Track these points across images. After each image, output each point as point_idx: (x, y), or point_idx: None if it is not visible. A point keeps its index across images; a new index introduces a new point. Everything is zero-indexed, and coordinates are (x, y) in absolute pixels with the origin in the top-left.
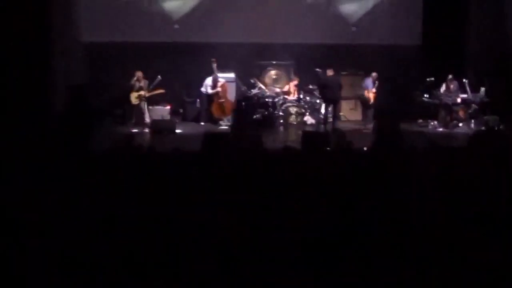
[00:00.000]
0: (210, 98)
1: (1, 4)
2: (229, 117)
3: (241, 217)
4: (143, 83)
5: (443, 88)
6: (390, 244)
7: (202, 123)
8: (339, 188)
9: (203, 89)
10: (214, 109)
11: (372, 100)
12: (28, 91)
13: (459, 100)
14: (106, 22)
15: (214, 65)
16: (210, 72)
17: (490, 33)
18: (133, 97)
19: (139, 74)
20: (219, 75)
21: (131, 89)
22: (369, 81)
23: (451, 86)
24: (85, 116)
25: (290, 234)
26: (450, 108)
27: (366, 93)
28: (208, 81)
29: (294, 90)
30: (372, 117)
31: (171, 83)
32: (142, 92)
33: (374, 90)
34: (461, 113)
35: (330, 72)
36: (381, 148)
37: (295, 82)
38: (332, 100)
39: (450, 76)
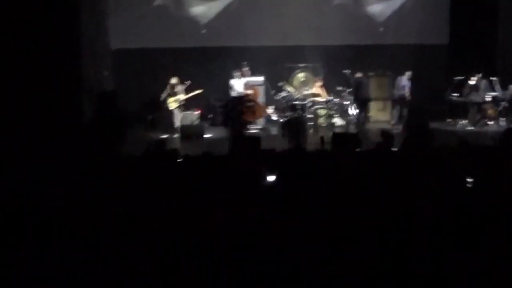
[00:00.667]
0: (240, 101)
1: (33, 12)
2: (260, 120)
3: (272, 218)
4: (179, 88)
5: (469, 85)
6: (419, 241)
7: (232, 127)
8: (370, 188)
9: (233, 93)
10: (245, 113)
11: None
12: (59, 98)
13: (488, 98)
14: (135, 28)
15: (246, 69)
16: (231, 76)
17: None
18: (171, 102)
19: (174, 80)
20: (248, 79)
21: (168, 95)
22: (404, 80)
23: (480, 85)
24: (115, 122)
25: (319, 233)
26: (480, 107)
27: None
28: (235, 83)
29: (321, 92)
30: (398, 117)
31: (200, 88)
32: (179, 97)
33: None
34: (490, 112)
35: (359, 74)
36: (412, 148)
37: (319, 84)
38: (365, 101)
39: (479, 75)
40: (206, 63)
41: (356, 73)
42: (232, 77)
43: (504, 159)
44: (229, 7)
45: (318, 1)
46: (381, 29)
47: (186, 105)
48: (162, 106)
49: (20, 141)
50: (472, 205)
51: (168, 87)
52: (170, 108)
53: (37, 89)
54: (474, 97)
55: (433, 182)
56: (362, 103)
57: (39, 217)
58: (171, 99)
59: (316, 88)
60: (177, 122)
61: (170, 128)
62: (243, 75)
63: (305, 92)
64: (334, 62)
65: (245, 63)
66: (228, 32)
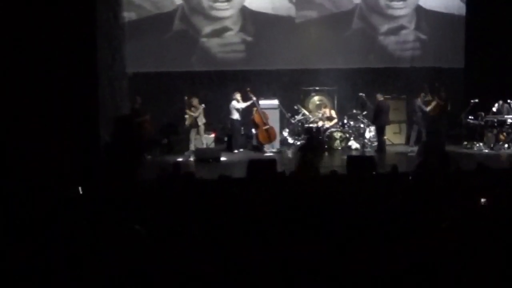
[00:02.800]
0: (253, 125)
1: (51, 37)
2: (275, 143)
3: (287, 240)
4: (199, 109)
5: (494, 108)
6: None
7: (235, 151)
8: (385, 211)
9: (233, 116)
10: (261, 136)
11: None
12: (77, 122)
13: (505, 121)
14: (151, 53)
15: (251, 95)
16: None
17: None
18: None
19: (195, 101)
20: (263, 102)
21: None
22: (418, 102)
23: (503, 108)
24: (132, 146)
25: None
26: (496, 129)
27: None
28: (234, 104)
29: (332, 115)
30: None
31: (216, 111)
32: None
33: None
34: (506, 134)
35: (379, 97)
36: (428, 171)
37: (328, 106)
38: (384, 124)
39: (501, 102)
40: (221, 87)
41: (377, 95)
42: (232, 100)
43: None
44: (244, 31)
45: (335, 25)
46: (397, 53)
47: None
48: (177, 129)
49: (40, 166)
50: (488, 225)
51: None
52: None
53: (56, 114)
54: (490, 120)
55: (450, 204)
56: (381, 127)
57: (61, 236)
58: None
59: (327, 111)
60: (192, 146)
61: (185, 151)
62: (242, 97)
63: (320, 115)
64: (349, 85)
65: (248, 88)
66: (244, 56)
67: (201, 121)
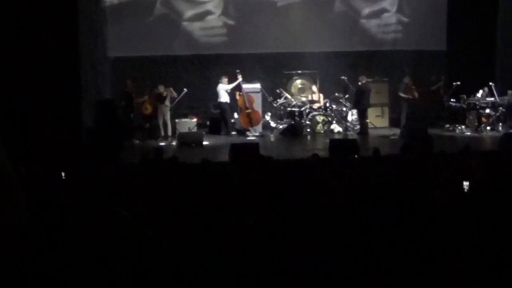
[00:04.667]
0: (235, 107)
1: (32, 22)
2: (257, 127)
3: (268, 226)
4: (166, 95)
5: (479, 94)
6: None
7: (232, 133)
8: (367, 194)
9: (221, 99)
10: (242, 120)
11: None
12: (59, 105)
13: (486, 103)
14: (133, 37)
15: (239, 76)
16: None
17: None
18: (146, 108)
19: (161, 88)
20: (245, 86)
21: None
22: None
23: (483, 92)
24: (114, 130)
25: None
26: (478, 112)
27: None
28: (222, 88)
29: (319, 98)
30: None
31: (198, 95)
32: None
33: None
34: (488, 117)
35: (363, 79)
36: (411, 153)
37: (314, 89)
38: (366, 107)
39: (486, 88)
40: (204, 71)
41: (359, 78)
42: (219, 83)
43: (502, 163)
44: (227, 15)
45: (317, 9)
46: (380, 36)
47: (182, 113)
48: (159, 113)
49: (19, 149)
50: (471, 208)
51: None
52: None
53: (38, 97)
54: (472, 102)
55: (433, 186)
56: (363, 109)
57: (38, 223)
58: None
59: (313, 94)
60: (169, 130)
61: (166, 135)
62: (229, 81)
63: (303, 99)
64: (331, 69)
65: (238, 71)
66: (226, 39)
67: (166, 106)
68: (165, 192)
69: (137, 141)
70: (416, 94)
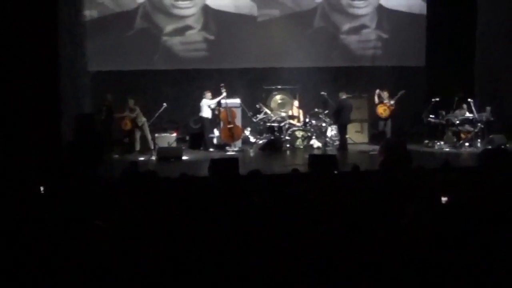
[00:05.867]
0: (215, 122)
1: (12, 34)
2: (238, 142)
3: (248, 240)
4: (136, 110)
5: (457, 110)
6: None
7: (210, 149)
8: (347, 210)
9: (203, 114)
10: (223, 134)
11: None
12: (38, 118)
13: (464, 119)
14: (113, 51)
15: (223, 90)
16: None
17: (496, 53)
18: (126, 124)
19: (131, 102)
20: (225, 100)
21: (124, 116)
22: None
23: (463, 108)
24: (93, 144)
25: (297, 255)
26: (456, 128)
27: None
28: (205, 102)
29: (299, 114)
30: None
31: (178, 110)
32: (136, 119)
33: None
34: (467, 133)
35: (342, 95)
36: (390, 169)
37: (296, 104)
38: (346, 123)
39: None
40: (184, 85)
41: (339, 94)
42: (203, 98)
43: (481, 178)
44: (207, 29)
45: (298, 24)
46: (359, 52)
47: (162, 128)
48: (138, 128)
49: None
50: (450, 223)
51: (127, 108)
52: (125, 129)
53: (17, 110)
54: (451, 119)
55: (412, 201)
56: (343, 125)
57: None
58: (126, 121)
59: (293, 109)
60: (151, 144)
61: (144, 150)
62: (213, 96)
63: (283, 114)
64: (311, 84)
65: (222, 84)
66: (206, 54)
67: (141, 121)
68: (144, 205)
69: (116, 156)
70: (380, 110)
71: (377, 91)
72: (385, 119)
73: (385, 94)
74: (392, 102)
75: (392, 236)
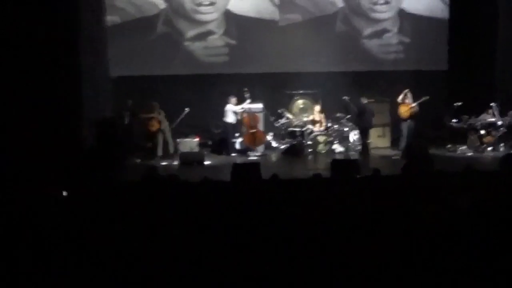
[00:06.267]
0: (237, 128)
1: (34, 40)
2: (260, 147)
3: (270, 245)
4: (161, 114)
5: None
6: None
7: (233, 154)
8: (368, 214)
9: (227, 119)
10: (246, 139)
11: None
12: (60, 123)
13: (487, 124)
14: (134, 56)
15: (247, 95)
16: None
17: None
18: (153, 125)
19: (156, 105)
20: (247, 105)
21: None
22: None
23: (490, 112)
24: (115, 149)
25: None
26: (479, 132)
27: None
28: (230, 108)
29: (321, 119)
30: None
31: (199, 115)
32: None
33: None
34: (489, 137)
35: (364, 100)
36: (412, 173)
37: (318, 109)
38: (367, 127)
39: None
40: (205, 90)
41: (361, 98)
42: (227, 103)
43: (503, 183)
44: (228, 34)
45: (319, 28)
46: (381, 56)
47: (184, 132)
48: (162, 131)
49: (21, 168)
50: (472, 228)
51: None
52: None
53: (38, 115)
54: (474, 123)
55: (434, 206)
56: (365, 130)
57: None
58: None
59: (315, 114)
60: (171, 148)
61: (166, 155)
62: (239, 101)
63: (304, 119)
64: (333, 88)
65: (246, 89)
66: (227, 59)
67: (164, 124)
68: (164, 210)
69: (138, 160)
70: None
71: (406, 90)
72: (405, 120)
73: (410, 95)
74: (414, 104)
75: (411, 239)
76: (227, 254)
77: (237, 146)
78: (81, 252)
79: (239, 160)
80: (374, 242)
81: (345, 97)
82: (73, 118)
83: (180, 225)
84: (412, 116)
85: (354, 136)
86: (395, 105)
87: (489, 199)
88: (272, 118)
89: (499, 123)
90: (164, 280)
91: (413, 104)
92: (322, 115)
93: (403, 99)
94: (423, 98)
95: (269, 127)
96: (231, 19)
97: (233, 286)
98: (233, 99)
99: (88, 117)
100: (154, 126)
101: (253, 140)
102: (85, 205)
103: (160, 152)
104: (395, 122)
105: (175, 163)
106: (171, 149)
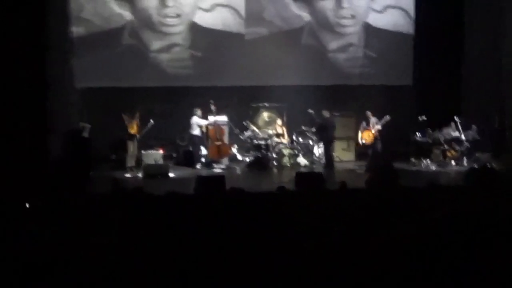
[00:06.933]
0: (203, 140)
1: (0, 49)
2: (225, 160)
3: (234, 258)
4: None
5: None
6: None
7: (197, 167)
8: (334, 227)
9: (193, 132)
10: (211, 152)
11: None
12: (26, 135)
13: (451, 138)
14: (101, 68)
15: (213, 108)
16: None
17: (482, 72)
18: (133, 128)
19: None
20: (212, 118)
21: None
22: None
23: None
24: (82, 160)
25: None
26: (443, 146)
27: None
28: (196, 120)
29: (283, 132)
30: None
31: (165, 127)
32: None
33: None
34: (453, 151)
35: (326, 114)
36: (376, 187)
37: (279, 122)
38: (330, 141)
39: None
40: (172, 102)
41: (322, 112)
42: (193, 115)
43: (467, 197)
44: (195, 47)
45: (285, 42)
46: (344, 68)
47: (148, 145)
48: (126, 145)
49: None
50: (438, 243)
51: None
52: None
53: (3, 126)
54: (438, 137)
55: (399, 221)
56: (328, 143)
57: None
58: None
59: (277, 127)
60: (132, 162)
61: (133, 167)
62: (204, 114)
63: (270, 132)
64: (298, 102)
65: (212, 101)
66: (194, 72)
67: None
68: (129, 222)
69: (104, 172)
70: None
71: (368, 113)
72: (369, 145)
73: (373, 120)
74: (377, 127)
75: (380, 254)
76: (190, 266)
77: (202, 159)
78: (44, 264)
79: (204, 172)
80: (340, 255)
81: (311, 111)
82: (39, 129)
83: (144, 238)
84: (376, 139)
85: (318, 149)
86: (358, 130)
87: (454, 214)
88: (237, 131)
89: (463, 137)
90: None
91: (377, 127)
92: (284, 128)
93: (366, 124)
94: (385, 119)
95: (234, 139)
96: (197, 32)
97: None
98: (199, 111)
99: (54, 129)
100: (133, 129)
101: (218, 152)
102: (49, 217)
103: (129, 162)
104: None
105: (139, 175)
106: (133, 161)
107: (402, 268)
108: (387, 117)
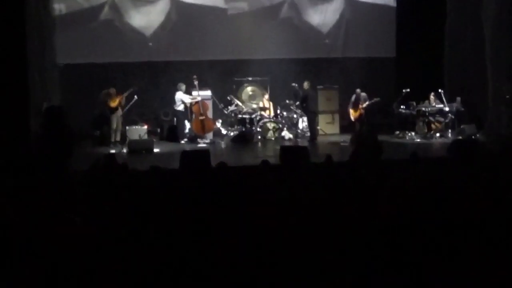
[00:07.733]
0: (187, 115)
1: None
2: (209, 134)
3: (218, 232)
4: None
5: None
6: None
7: (182, 142)
8: (319, 201)
9: (177, 107)
10: (195, 126)
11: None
12: (6, 111)
13: (435, 110)
14: (81, 44)
15: (196, 82)
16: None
17: (465, 44)
18: (115, 101)
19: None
20: (196, 92)
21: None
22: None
23: (432, 99)
24: (63, 137)
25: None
26: (427, 119)
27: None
28: (180, 95)
29: (270, 106)
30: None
31: (148, 103)
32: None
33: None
34: (437, 124)
35: (306, 85)
36: (361, 160)
37: (267, 97)
38: (314, 112)
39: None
40: (154, 77)
41: (304, 84)
42: (177, 90)
43: (451, 169)
44: (177, 22)
45: (267, 16)
46: (327, 41)
47: (133, 120)
48: (109, 120)
49: None
50: (423, 214)
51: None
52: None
53: None
54: (422, 109)
55: (383, 193)
56: (311, 115)
57: None
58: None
59: (264, 101)
60: (118, 136)
61: (118, 142)
62: (188, 88)
63: (254, 106)
64: (282, 75)
65: (195, 76)
66: (176, 46)
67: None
68: (115, 198)
69: (88, 148)
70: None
71: (357, 91)
72: (356, 120)
73: (362, 96)
74: (366, 103)
75: (362, 226)
76: (176, 243)
77: (186, 133)
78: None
79: (188, 147)
80: (325, 229)
81: (294, 84)
82: (20, 106)
83: (131, 214)
84: (362, 117)
85: (303, 123)
86: (347, 105)
87: (438, 186)
88: (221, 105)
89: (447, 109)
90: (114, 272)
91: (364, 105)
92: (271, 102)
93: (355, 101)
94: (374, 100)
95: (218, 114)
96: (179, 6)
97: (180, 276)
98: (183, 87)
99: (35, 105)
100: (115, 102)
101: (202, 127)
102: (32, 195)
103: (113, 137)
104: (344, 108)
105: (124, 151)
106: (118, 137)
107: (384, 240)
108: (377, 99)
